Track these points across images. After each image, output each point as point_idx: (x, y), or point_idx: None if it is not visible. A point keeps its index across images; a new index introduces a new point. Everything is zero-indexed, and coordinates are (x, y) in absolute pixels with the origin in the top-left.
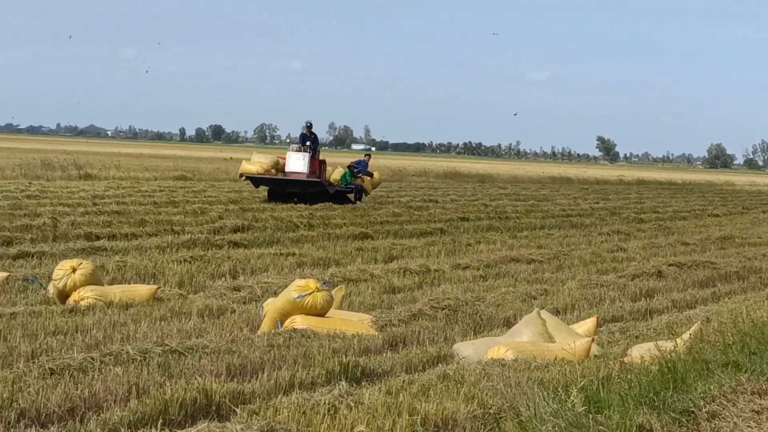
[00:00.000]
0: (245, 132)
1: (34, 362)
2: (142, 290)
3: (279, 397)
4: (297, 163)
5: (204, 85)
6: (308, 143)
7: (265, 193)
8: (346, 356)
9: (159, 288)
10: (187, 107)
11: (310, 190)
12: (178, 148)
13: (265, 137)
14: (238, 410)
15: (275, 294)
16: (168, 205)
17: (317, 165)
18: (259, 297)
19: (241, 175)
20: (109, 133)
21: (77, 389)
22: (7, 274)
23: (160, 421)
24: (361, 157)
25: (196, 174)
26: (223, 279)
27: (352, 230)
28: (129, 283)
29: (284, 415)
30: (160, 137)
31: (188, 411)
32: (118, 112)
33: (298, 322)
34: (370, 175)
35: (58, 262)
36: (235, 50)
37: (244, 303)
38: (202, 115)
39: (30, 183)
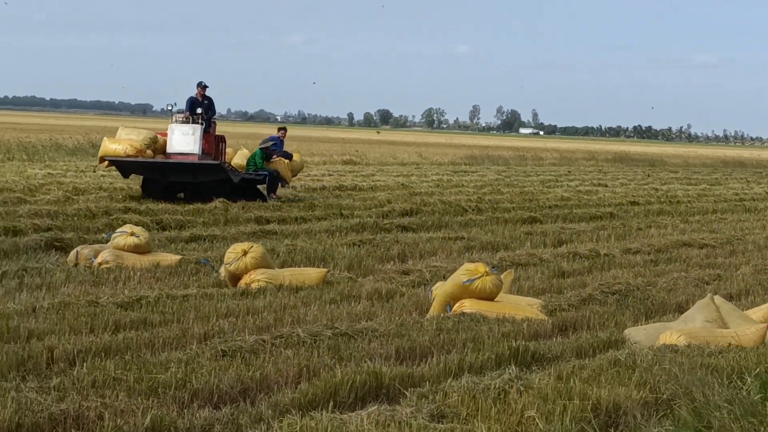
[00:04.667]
0: (413, 116)
1: (206, 344)
2: (311, 273)
3: (448, 380)
4: (184, 139)
5: (372, 69)
6: (200, 111)
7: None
8: (515, 340)
9: (328, 271)
10: (356, 92)
11: (204, 179)
12: (346, 133)
13: (432, 122)
14: (407, 393)
15: (444, 278)
16: (336, 189)
17: (214, 142)
18: (427, 281)
19: (101, 160)
20: (278, 118)
21: (249, 371)
22: (180, 257)
23: (331, 403)
24: (275, 133)
25: (364, 158)
26: (391, 263)
27: (520, 214)
28: (299, 267)
29: (454, 398)
30: (328, 122)
31: (358, 393)
32: (287, 97)
33: (467, 306)
34: (289, 157)
35: (229, 246)
36: (401, 34)
37: (413, 287)
38: (370, 100)
39: None
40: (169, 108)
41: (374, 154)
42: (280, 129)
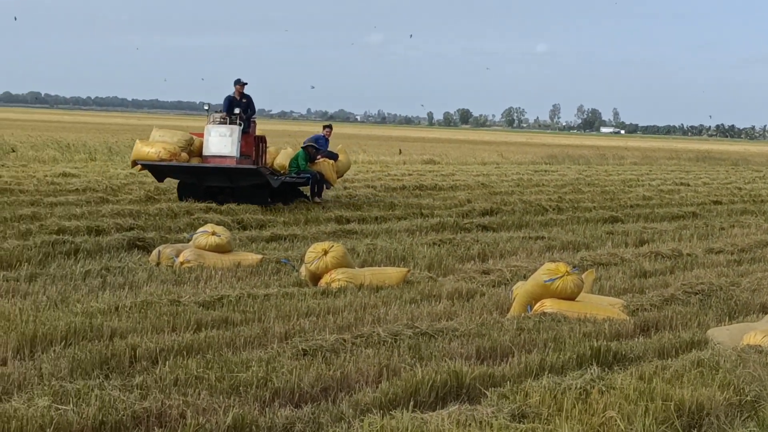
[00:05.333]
0: (493, 116)
1: (287, 343)
2: (392, 273)
3: (529, 380)
4: (221, 141)
5: (451, 69)
6: (238, 111)
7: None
8: (597, 340)
9: (409, 271)
10: (435, 91)
11: (241, 183)
12: (426, 132)
13: (512, 121)
14: (488, 393)
15: (524, 277)
16: (416, 188)
17: (253, 144)
18: (508, 280)
19: (134, 163)
20: (358, 117)
21: (329, 370)
22: (261, 256)
23: (411, 402)
24: (320, 132)
25: (444, 158)
26: (472, 262)
27: (601, 214)
28: (379, 266)
29: (535, 398)
30: (408, 121)
31: (438, 393)
32: (367, 97)
33: (548, 305)
34: (334, 157)
35: (309, 245)
36: (479, 33)
37: (494, 286)
38: (450, 100)
39: None
40: (205, 108)
41: (454, 153)
42: (325, 127)
